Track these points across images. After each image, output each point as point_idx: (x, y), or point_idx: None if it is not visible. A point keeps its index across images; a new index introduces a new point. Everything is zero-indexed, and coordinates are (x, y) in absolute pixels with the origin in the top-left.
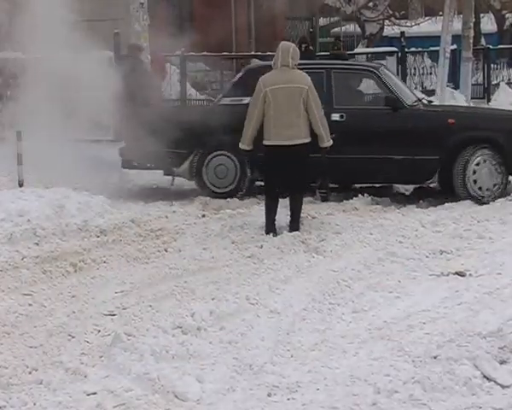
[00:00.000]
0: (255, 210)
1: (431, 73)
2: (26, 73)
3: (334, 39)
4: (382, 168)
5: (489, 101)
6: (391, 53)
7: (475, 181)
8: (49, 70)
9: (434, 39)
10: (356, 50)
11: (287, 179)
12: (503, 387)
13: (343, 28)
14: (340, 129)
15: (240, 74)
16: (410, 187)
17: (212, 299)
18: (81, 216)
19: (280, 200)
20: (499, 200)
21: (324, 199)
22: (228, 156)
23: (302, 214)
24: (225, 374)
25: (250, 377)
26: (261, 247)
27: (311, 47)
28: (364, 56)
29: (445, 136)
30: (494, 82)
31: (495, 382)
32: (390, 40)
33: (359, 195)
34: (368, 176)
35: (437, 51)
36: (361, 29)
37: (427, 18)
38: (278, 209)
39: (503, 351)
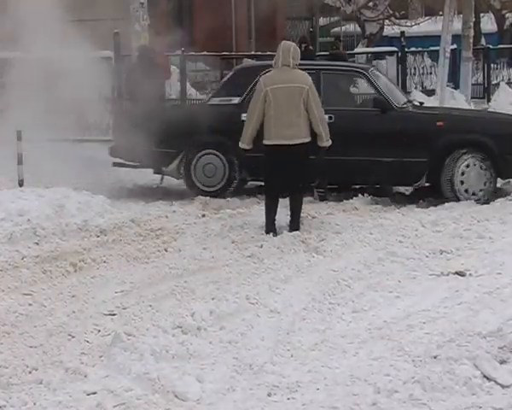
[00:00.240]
0: (255, 210)
1: (431, 73)
2: (25, 74)
3: (334, 39)
4: (370, 170)
5: (489, 101)
6: (391, 53)
7: (463, 183)
8: (47, 70)
9: (434, 39)
10: (356, 50)
11: (287, 179)
12: (503, 387)
13: (343, 28)
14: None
15: (229, 74)
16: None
17: (212, 299)
18: (81, 216)
19: (280, 200)
20: (499, 200)
21: (322, 198)
22: (216, 155)
23: (302, 214)
24: (225, 374)
25: (250, 376)
26: (261, 246)
27: (310, 47)
28: (364, 56)
29: (433, 138)
30: (494, 82)
31: (495, 382)
32: (390, 40)
33: (359, 194)
34: (356, 178)
35: (437, 51)
36: (361, 29)
37: (427, 18)
38: (278, 209)
39: (502, 351)
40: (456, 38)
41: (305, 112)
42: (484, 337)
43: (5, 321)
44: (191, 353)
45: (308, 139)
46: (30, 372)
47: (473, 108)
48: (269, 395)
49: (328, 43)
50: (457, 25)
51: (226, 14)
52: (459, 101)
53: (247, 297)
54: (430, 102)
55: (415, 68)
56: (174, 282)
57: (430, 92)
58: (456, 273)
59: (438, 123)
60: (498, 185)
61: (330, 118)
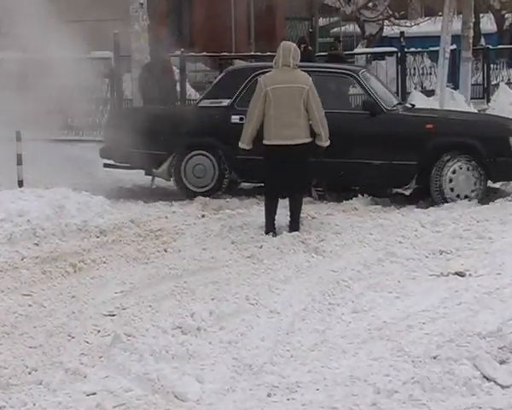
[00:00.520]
0: (255, 210)
1: (431, 74)
2: (25, 73)
3: (333, 40)
4: (360, 173)
5: (488, 101)
6: (390, 53)
7: (452, 188)
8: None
9: (434, 39)
10: (355, 51)
11: (287, 179)
12: (502, 387)
13: (343, 28)
14: None
15: (220, 76)
16: None
17: (212, 299)
18: (81, 216)
19: (279, 200)
20: (498, 200)
21: (321, 197)
22: (206, 156)
23: (302, 215)
24: (225, 374)
25: (250, 377)
26: (261, 247)
27: (310, 47)
28: (364, 57)
29: (423, 141)
30: (494, 82)
31: (495, 382)
32: (390, 40)
33: (359, 195)
34: (345, 180)
35: (436, 51)
36: (360, 29)
37: (426, 18)
38: (278, 209)
39: (502, 351)
40: (455, 39)
41: (305, 112)
42: (483, 338)
43: (5, 322)
44: (191, 353)
45: (308, 140)
46: (30, 373)
47: (472, 108)
48: (268, 395)
49: (328, 44)
50: (457, 25)
51: (226, 14)
52: (459, 101)
53: (246, 298)
54: (430, 102)
55: (414, 69)
56: (174, 282)
57: (430, 93)
58: (456, 274)
59: (427, 126)
60: (498, 186)
61: None
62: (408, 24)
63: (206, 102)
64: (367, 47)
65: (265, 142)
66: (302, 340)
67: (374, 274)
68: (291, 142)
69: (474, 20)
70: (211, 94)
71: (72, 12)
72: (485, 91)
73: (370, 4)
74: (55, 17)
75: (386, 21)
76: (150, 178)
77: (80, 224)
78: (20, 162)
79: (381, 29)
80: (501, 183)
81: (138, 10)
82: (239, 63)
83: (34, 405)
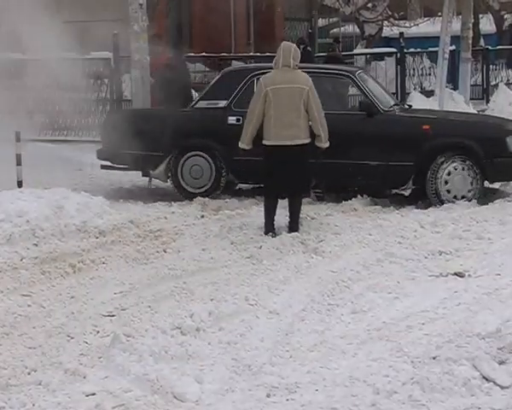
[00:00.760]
0: (254, 211)
1: (430, 74)
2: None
3: (332, 41)
4: (356, 174)
5: (488, 102)
6: (390, 54)
7: (448, 189)
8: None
9: (433, 40)
10: (355, 51)
11: (286, 180)
12: (502, 388)
13: (342, 29)
14: None
15: (217, 77)
16: None
17: (211, 300)
18: (80, 217)
19: (279, 201)
20: (498, 200)
21: (320, 198)
22: (203, 157)
23: (301, 215)
24: (224, 375)
25: (249, 377)
26: (260, 247)
27: (308, 48)
28: (363, 57)
29: (419, 142)
30: (493, 83)
31: (494, 382)
32: (389, 41)
33: (358, 195)
34: (341, 181)
35: (436, 52)
36: (360, 30)
37: (425, 19)
38: (277, 210)
39: (501, 352)
40: (455, 39)
41: (305, 113)
42: (483, 338)
43: (4, 322)
44: (190, 354)
45: (308, 140)
46: (29, 373)
47: (471, 109)
48: (268, 395)
49: (327, 45)
50: (456, 26)
51: (225, 15)
52: (458, 102)
53: (246, 298)
54: (429, 103)
55: (414, 69)
56: (173, 283)
57: (429, 93)
58: (455, 274)
59: (424, 126)
60: (497, 187)
61: None
62: (407, 25)
63: (202, 104)
64: (366, 48)
65: (265, 142)
66: (301, 340)
67: (373, 275)
68: (291, 142)
69: (473, 20)
70: (208, 95)
71: (71, 12)
72: (484, 92)
73: (370, 5)
74: (55, 17)
75: (386, 22)
76: (148, 179)
77: (79, 224)
78: (19, 163)
79: (381, 30)
80: (500, 183)
81: (138, 11)
82: (235, 64)
83: (33, 405)
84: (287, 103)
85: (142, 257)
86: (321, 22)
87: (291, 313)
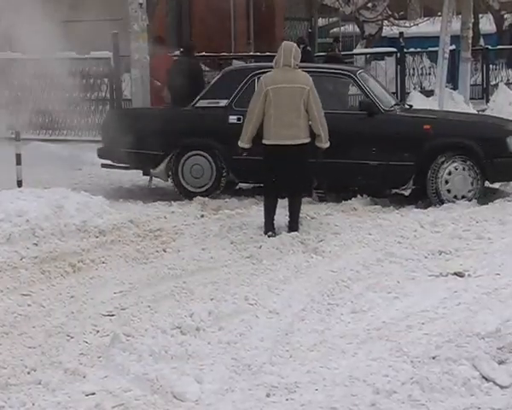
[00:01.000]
0: (254, 210)
1: (430, 74)
2: (25, 73)
3: (332, 41)
4: (357, 173)
5: (488, 101)
6: (390, 53)
7: (449, 189)
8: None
9: (433, 40)
10: (354, 51)
11: (286, 180)
12: (501, 387)
13: (342, 29)
14: None
15: (217, 76)
16: None
17: (211, 299)
18: (80, 216)
19: (279, 200)
20: (498, 200)
21: (322, 199)
22: (203, 156)
23: (301, 215)
24: (224, 374)
25: (249, 377)
26: (260, 247)
27: (308, 48)
28: (363, 57)
29: (420, 142)
30: (493, 82)
31: (494, 382)
32: (389, 41)
33: (358, 195)
34: (342, 181)
35: (436, 52)
36: (360, 29)
37: (425, 18)
38: (277, 210)
39: (501, 351)
40: (454, 39)
41: (305, 112)
42: (482, 338)
43: (4, 322)
44: (190, 353)
45: (308, 140)
46: (29, 373)
47: (471, 108)
48: (268, 395)
49: (327, 44)
50: (456, 25)
51: (225, 14)
52: (458, 102)
53: (245, 298)
54: (429, 102)
55: (414, 69)
56: (173, 282)
57: (429, 93)
58: (455, 274)
59: (424, 126)
60: (497, 186)
61: None
62: (407, 24)
63: (203, 103)
64: (366, 47)
65: (265, 141)
66: (301, 340)
67: (373, 274)
68: (290, 142)
69: (473, 20)
70: (208, 94)
71: (71, 12)
72: (484, 92)
73: (370, 5)
74: (54, 16)
75: (386, 22)
76: (148, 178)
77: (79, 224)
78: (19, 162)
79: (381, 29)
80: (500, 183)
81: (137, 10)
82: (236, 63)
83: (33, 405)
84: (287, 103)
85: (141, 257)
86: (321, 22)
87: (291, 312)
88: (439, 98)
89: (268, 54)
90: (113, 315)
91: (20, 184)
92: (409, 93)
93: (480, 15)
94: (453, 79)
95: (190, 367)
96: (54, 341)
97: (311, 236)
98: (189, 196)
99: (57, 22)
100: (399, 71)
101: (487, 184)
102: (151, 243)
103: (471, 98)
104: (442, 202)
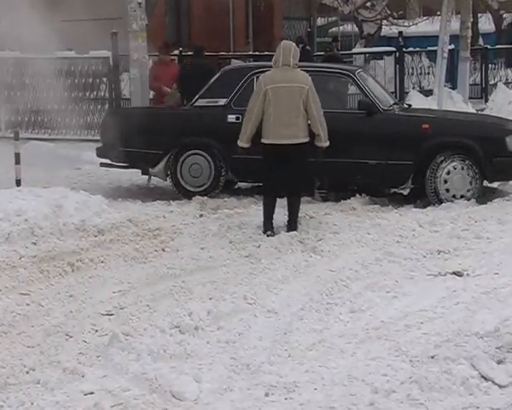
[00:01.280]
0: (253, 210)
1: (429, 73)
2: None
3: (331, 41)
4: (355, 173)
5: (486, 101)
6: (389, 53)
7: (447, 188)
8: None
9: (432, 39)
10: (353, 50)
11: (285, 179)
12: (500, 387)
13: (341, 28)
14: None
15: (216, 76)
16: None
17: (210, 299)
18: (79, 216)
19: (278, 199)
20: (496, 200)
21: (325, 199)
22: (202, 155)
23: (300, 214)
24: (223, 374)
25: (247, 376)
26: (259, 246)
27: (308, 47)
28: (362, 56)
29: (418, 141)
30: (492, 82)
31: (492, 382)
32: (388, 40)
33: (357, 194)
34: (340, 180)
35: (435, 51)
36: (359, 29)
37: (424, 18)
38: (276, 209)
39: (500, 351)
40: (453, 39)
41: (304, 112)
42: (481, 337)
43: (3, 321)
44: (189, 353)
45: (306, 139)
46: (27, 372)
47: (470, 108)
48: (266, 394)
49: (326, 44)
50: (455, 25)
51: (224, 14)
52: (457, 101)
53: (244, 297)
54: (428, 102)
55: (412, 68)
56: (172, 282)
57: (428, 92)
58: (454, 273)
59: (423, 126)
60: (495, 186)
61: None
62: (406, 24)
63: (202, 102)
64: (365, 47)
65: (264, 141)
66: (300, 339)
67: (372, 274)
68: (289, 141)
69: (472, 19)
70: (207, 93)
71: (70, 11)
72: (483, 91)
73: (368, 4)
74: (53, 16)
75: (385, 21)
76: (147, 177)
77: (78, 223)
78: (17, 161)
79: (380, 29)
80: (499, 183)
81: (136, 9)
82: (235, 63)
83: (32, 404)
84: (286, 102)
85: (140, 256)
86: (320, 21)
87: (289, 312)
88: (438, 98)
89: (267, 53)
90: (111, 314)
91: (18, 183)
92: (408, 92)
93: (479, 15)
94: (452, 79)
95: (189, 367)
96: (52, 340)
97: (310, 235)
98: (188, 195)
99: (55, 21)
100: (398, 70)
101: (486, 183)
102: (150, 242)
103: (470, 98)
104: (441, 202)
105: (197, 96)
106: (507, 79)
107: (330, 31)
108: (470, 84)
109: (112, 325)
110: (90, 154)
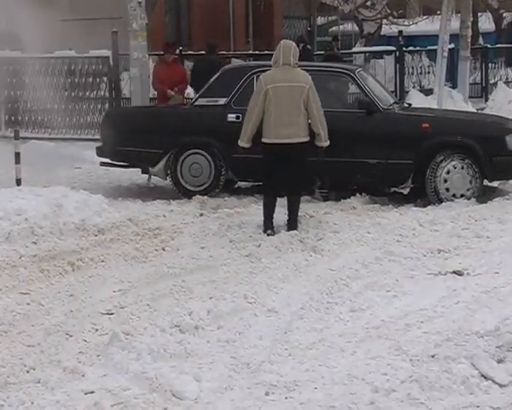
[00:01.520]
0: (253, 209)
1: (429, 72)
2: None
3: (331, 40)
4: (355, 172)
5: (487, 100)
6: (389, 52)
7: (447, 187)
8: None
9: (432, 38)
10: (354, 49)
11: (285, 178)
12: (500, 386)
13: (341, 27)
14: None
15: (216, 75)
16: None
17: (210, 298)
18: (79, 215)
19: (278, 199)
20: (497, 199)
21: (326, 199)
22: (202, 155)
23: (300, 213)
24: (223, 373)
25: (248, 375)
26: (259, 246)
27: (308, 46)
28: (362, 55)
29: (418, 140)
30: (492, 81)
31: (492, 381)
32: (388, 39)
33: (357, 194)
34: (340, 179)
35: (435, 50)
36: (359, 28)
37: (424, 17)
38: (276, 208)
39: (500, 350)
40: (453, 38)
41: (305, 111)
42: (481, 336)
43: (3, 320)
44: (189, 352)
45: (307, 139)
46: (28, 372)
47: (470, 107)
48: (266, 394)
49: (326, 43)
50: (455, 24)
51: (224, 13)
52: (457, 100)
53: (244, 296)
54: (428, 101)
55: (413, 68)
56: (172, 281)
57: (428, 92)
58: (454, 272)
59: (423, 125)
60: (496, 185)
61: None
62: (406, 23)
63: (202, 101)
64: (365, 46)
65: (264, 140)
66: (300, 339)
67: (372, 273)
68: (290, 140)
69: (472, 19)
70: (207, 92)
71: (70, 10)
72: (483, 90)
73: (369, 3)
74: (53, 15)
75: (385, 20)
76: (147, 176)
77: (78, 222)
78: (18, 161)
79: (380, 28)
80: (499, 182)
81: (136, 9)
82: (235, 62)
83: (32, 403)
84: (287, 102)
85: (140, 255)
86: (320, 20)
87: (290, 311)
88: (438, 97)
89: (267, 52)
90: (112, 314)
91: (18, 182)
92: (408, 92)
93: (479, 14)
94: (452, 78)
95: (189, 366)
96: (53, 339)
97: (310, 234)
98: (188, 194)
99: (55, 21)
100: (398, 69)
101: (486, 182)
102: (150, 241)
103: (470, 97)
104: (441, 201)
105: (197, 96)
106: (507, 79)
107: (330, 30)
108: (470, 84)
109: (112, 325)
110: (90, 153)
